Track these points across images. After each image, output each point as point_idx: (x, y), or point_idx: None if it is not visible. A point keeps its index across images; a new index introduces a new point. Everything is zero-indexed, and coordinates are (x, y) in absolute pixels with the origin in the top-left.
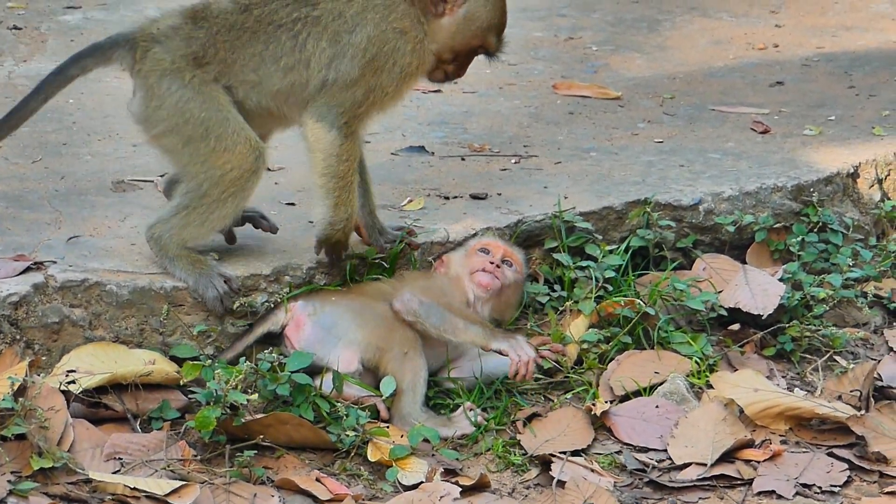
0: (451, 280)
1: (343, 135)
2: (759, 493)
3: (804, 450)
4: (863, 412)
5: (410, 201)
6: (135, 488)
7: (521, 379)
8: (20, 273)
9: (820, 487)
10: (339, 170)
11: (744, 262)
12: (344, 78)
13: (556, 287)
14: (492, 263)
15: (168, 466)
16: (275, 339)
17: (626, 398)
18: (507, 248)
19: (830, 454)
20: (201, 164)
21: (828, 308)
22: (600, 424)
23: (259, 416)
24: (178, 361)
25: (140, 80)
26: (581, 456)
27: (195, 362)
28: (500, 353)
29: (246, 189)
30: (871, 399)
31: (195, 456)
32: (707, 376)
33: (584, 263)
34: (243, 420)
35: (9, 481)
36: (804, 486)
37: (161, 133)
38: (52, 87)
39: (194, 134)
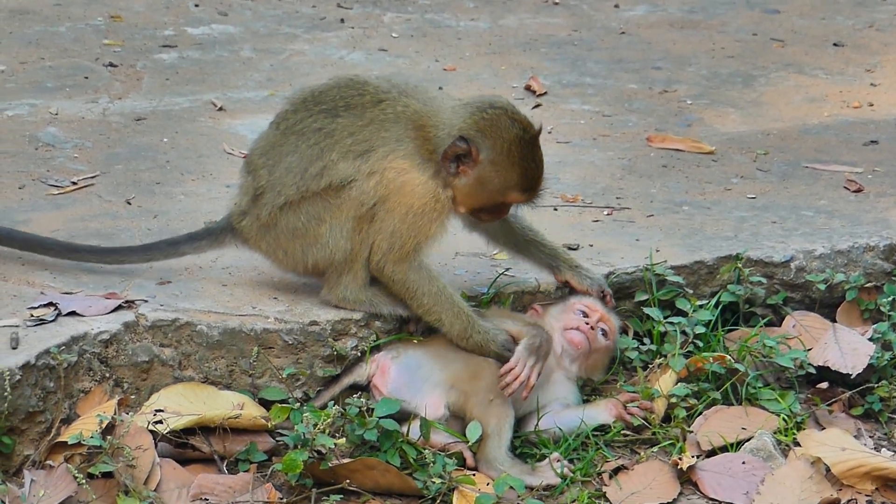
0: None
1: (399, 280)
2: None
3: None
4: None
5: (502, 250)
6: None
7: (503, 387)
8: (111, 311)
9: None
10: (425, 303)
11: (834, 320)
12: (369, 207)
13: (646, 340)
14: (587, 325)
15: None
16: (361, 390)
17: (712, 453)
18: (604, 313)
19: None
20: (332, 235)
21: None
22: (686, 479)
23: (346, 460)
24: (267, 404)
25: (260, 254)
26: None
27: (284, 405)
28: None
29: (359, 211)
30: None
31: (281, 499)
32: (794, 434)
33: (674, 319)
34: (330, 464)
35: None
36: None
37: (305, 259)
38: (160, 255)
39: (312, 230)
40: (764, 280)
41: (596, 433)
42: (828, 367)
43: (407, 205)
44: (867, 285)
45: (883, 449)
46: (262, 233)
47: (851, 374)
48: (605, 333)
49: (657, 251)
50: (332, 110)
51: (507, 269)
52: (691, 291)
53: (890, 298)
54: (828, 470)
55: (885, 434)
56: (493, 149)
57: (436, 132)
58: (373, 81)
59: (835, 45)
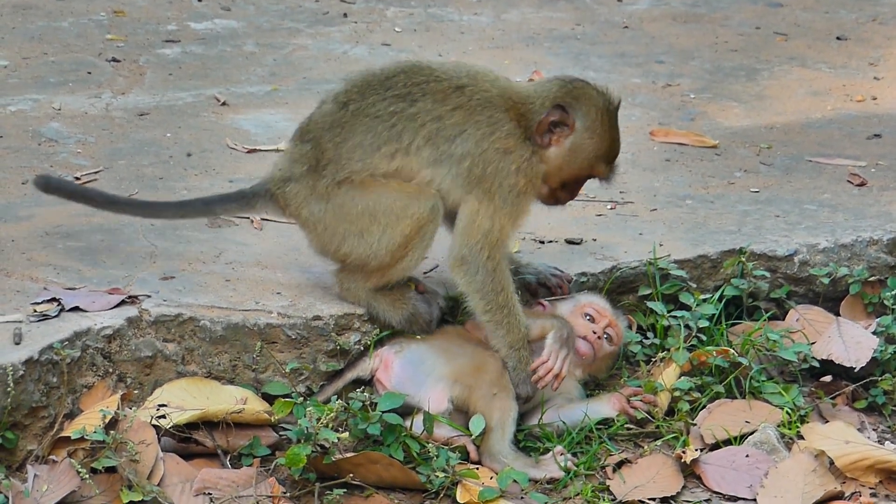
0: None
1: (490, 269)
2: None
3: (894, 503)
4: None
5: None
6: None
7: (536, 380)
8: (114, 306)
9: None
10: (499, 301)
11: (837, 314)
12: (453, 197)
13: (649, 334)
14: (594, 333)
15: (257, 503)
16: (364, 385)
17: (716, 447)
18: (612, 317)
19: None
20: (378, 241)
21: None
22: (690, 472)
23: (349, 454)
24: (270, 398)
25: (298, 222)
26: (670, 503)
27: (287, 400)
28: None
29: (426, 239)
30: None
31: (284, 493)
32: (798, 427)
33: (677, 312)
34: (333, 458)
35: None
36: None
37: (340, 244)
38: (193, 212)
39: (363, 224)
40: (767, 274)
41: (599, 427)
42: (831, 361)
43: (512, 184)
44: (871, 279)
45: (886, 442)
46: (311, 201)
47: (855, 368)
48: (610, 339)
49: (661, 245)
50: (407, 95)
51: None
52: (695, 285)
53: (894, 292)
54: (831, 463)
55: (889, 427)
56: (587, 116)
57: (526, 108)
58: (439, 67)
59: (838, 38)
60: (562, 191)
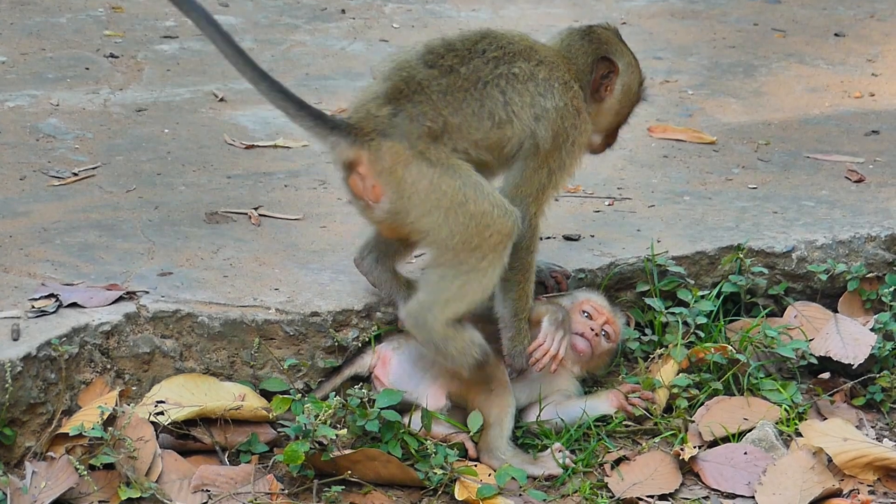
0: None
1: (533, 226)
2: None
3: (892, 500)
4: None
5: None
6: None
7: (534, 363)
8: (112, 302)
9: None
10: (526, 262)
11: (835, 310)
12: (537, 149)
13: (647, 331)
14: (592, 331)
15: (255, 500)
16: (362, 381)
17: (714, 444)
18: (610, 315)
19: None
20: (462, 233)
21: None
22: (688, 469)
23: (347, 451)
24: (268, 395)
25: (379, 178)
26: (668, 500)
27: (285, 396)
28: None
29: (504, 256)
30: None
31: (283, 490)
32: (796, 424)
33: (675, 309)
34: (332, 455)
35: None
36: None
37: (421, 216)
38: (263, 87)
39: (454, 201)
40: (765, 270)
41: (598, 424)
42: (829, 358)
43: (581, 143)
44: (868, 275)
45: (885, 439)
46: (412, 163)
47: (853, 365)
48: (607, 336)
49: (658, 241)
50: (503, 57)
51: None
52: (693, 282)
53: (891, 288)
54: (830, 460)
55: (887, 424)
56: (622, 54)
57: (576, 66)
58: (502, 32)
59: (836, 35)
60: (611, 136)
